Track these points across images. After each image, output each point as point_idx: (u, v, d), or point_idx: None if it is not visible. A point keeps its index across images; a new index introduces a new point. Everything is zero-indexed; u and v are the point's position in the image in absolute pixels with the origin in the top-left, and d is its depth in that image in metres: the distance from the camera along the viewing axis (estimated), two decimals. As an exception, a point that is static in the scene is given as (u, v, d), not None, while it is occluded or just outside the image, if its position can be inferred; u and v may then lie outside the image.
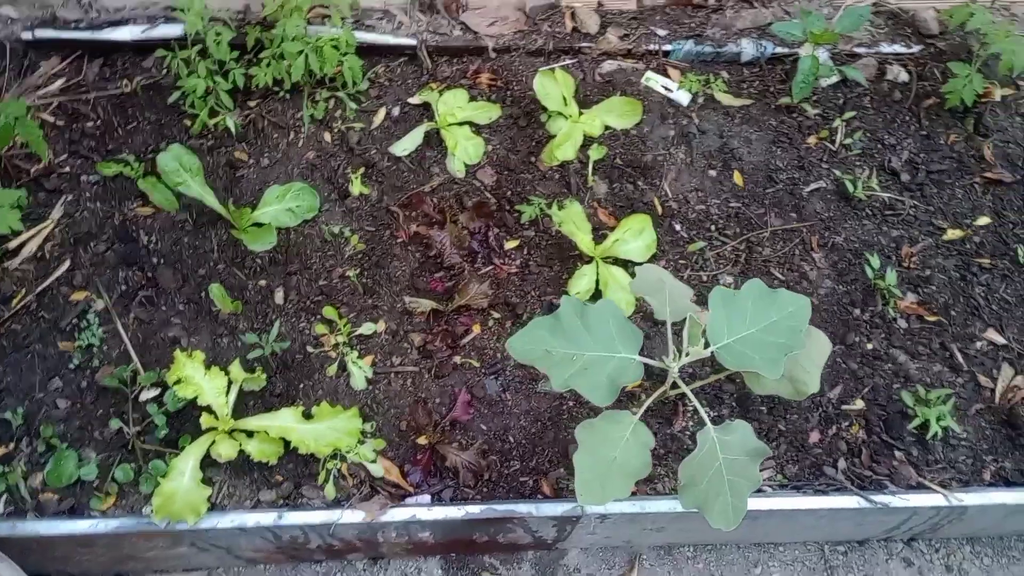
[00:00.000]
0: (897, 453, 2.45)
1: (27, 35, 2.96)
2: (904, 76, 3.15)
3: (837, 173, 2.95)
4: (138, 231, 2.69)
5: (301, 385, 2.45)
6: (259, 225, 2.66)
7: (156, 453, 2.30)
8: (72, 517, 2.18)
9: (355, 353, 2.49)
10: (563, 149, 2.84)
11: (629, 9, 3.16)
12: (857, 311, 2.70)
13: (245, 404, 2.40)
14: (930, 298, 2.74)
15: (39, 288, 2.55)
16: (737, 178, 2.91)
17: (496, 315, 2.61)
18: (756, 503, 2.27)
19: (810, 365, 1.90)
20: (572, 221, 2.70)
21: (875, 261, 2.73)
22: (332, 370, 2.48)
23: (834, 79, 3.10)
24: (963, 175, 2.99)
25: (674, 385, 1.93)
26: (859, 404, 2.53)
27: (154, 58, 3.03)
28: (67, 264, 2.60)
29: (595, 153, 2.88)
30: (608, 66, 3.07)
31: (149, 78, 3.00)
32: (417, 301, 2.58)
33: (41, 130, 2.49)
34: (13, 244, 2.62)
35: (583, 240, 2.65)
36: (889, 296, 2.70)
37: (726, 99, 3.06)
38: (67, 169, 2.81)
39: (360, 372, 2.45)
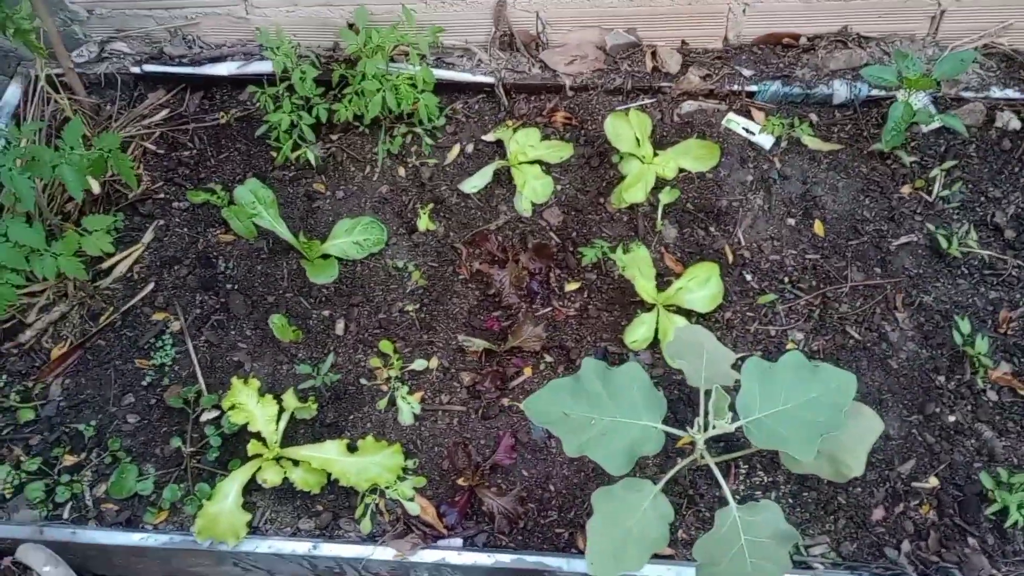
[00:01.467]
0: (970, 540, 2.24)
1: (136, 69, 3.18)
2: (1016, 123, 2.89)
3: (931, 227, 2.74)
4: (217, 257, 2.83)
5: (351, 417, 2.51)
6: (326, 257, 2.74)
7: (207, 474, 2.40)
8: (126, 529, 2.31)
9: (405, 388, 2.52)
10: (633, 191, 2.78)
11: (714, 48, 3.06)
12: (941, 379, 2.49)
13: (295, 432, 2.47)
14: (1028, 369, 2.50)
15: (125, 307, 2.72)
16: (818, 228, 2.76)
17: (549, 359, 2.58)
18: (803, 581, 2.13)
19: (855, 446, 1.77)
20: (636, 266, 2.63)
21: (966, 325, 2.51)
22: (382, 404, 2.52)
23: (935, 125, 2.90)
24: (1078, 234, 2.72)
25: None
26: (932, 482, 2.33)
27: (248, 92, 3.20)
28: (151, 286, 2.77)
29: (666, 196, 2.81)
30: (688, 107, 2.99)
31: (243, 111, 3.17)
32: (471, 340, 2.58)
33: (133, 162, 2.66)
34: (106, 264, 2.82)
35: (645, 286, 2.58)
36: (979, 364, 2.48)
37: (813, 143, 2.91)
38: (161, 195, 2.99)
39: (408, 408, 2.48)
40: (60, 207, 2.91)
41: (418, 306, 2.70)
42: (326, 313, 2.70)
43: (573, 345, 2.60)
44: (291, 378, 2.57)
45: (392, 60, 3.03)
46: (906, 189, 2.83)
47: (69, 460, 2.44)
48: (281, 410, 2.40)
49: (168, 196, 2.99)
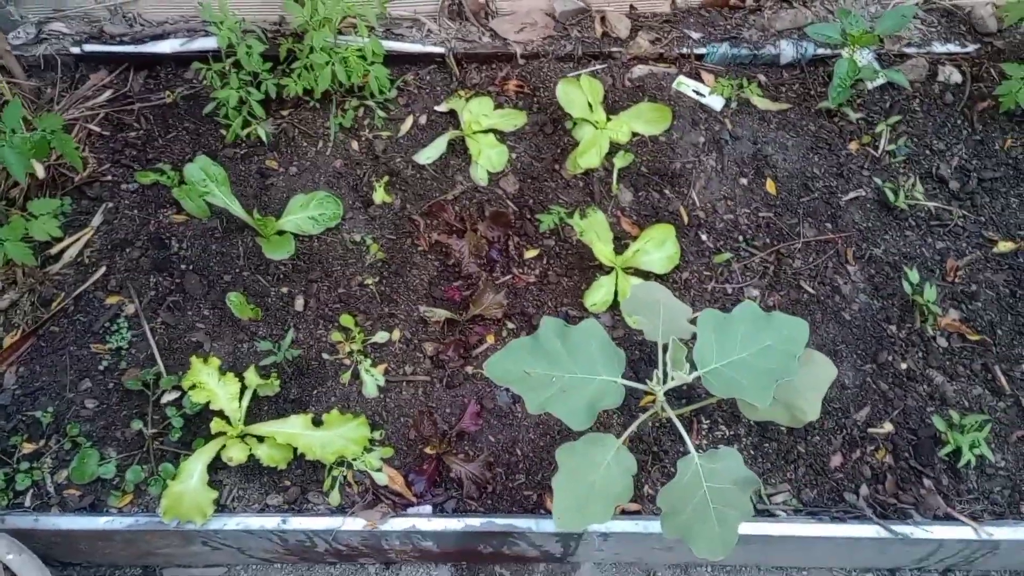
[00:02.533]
0: (926, 481, 2.32)
1: (76, 49, 3.10)
2: (957, 77, 2.97)
3: (878, 181, 2.81)
4: (170, 238, 2.78)
5: (315, 392, 2.50)
6: (282, 234, 2.72)
7: (171, 454, 2.38)
8: (90, 513, 2.28)
9: (368, 361, 2.52)
10: (587, 156, 2.79)
11: (662, 12, 3.08)
12: (892, 328, 2.56)
13: (259, 409, 2.46)
14: (975, 316, 2.58)
15: (76, 292, 2.67)
16: (770, 186, 2.81)
17: (511, 325, 2.60)
18: (766, 528, 2.19)
19: (810, 392, 1.82)
20: (594, 230, 2.66)
21: (914, 275, 2.58)
22: (346, 378, 2.51)
23: (880, 81, 2.95)
24: (1019, 183, 2.80)
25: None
26: (887, 427, 2.40)
27: (193, 69, 3.13)
28: (103, 269, 2.72)
29: (620, 160, 2.83)
30: (639, 71, 3.01)
31: (189, 88, 3.10)
32: (432, 310, 2.59)
33: (77, 144, 2.60)
34: (55, 250, 2.76)
35: (603, 250, 2.61)
36: (929, 313, 2.55)
37: (762, 103, 2.95)
38: (109, 178, 2.93)
39: (372, 380, 2.48)
40: (4, 192, 2.83)
41: (378, 279, 2.69)
42: (284, 290, 2.68)
43: (534, 311, 2.62)
44: (252, 356, 2.55)
45: (340, 33, 2.99)
46: (853, 145, 2.88)
47: (28, 448, 2.40)
48: (243, 387, 2.38)
49: (116, 178, 2.93)
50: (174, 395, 2.45)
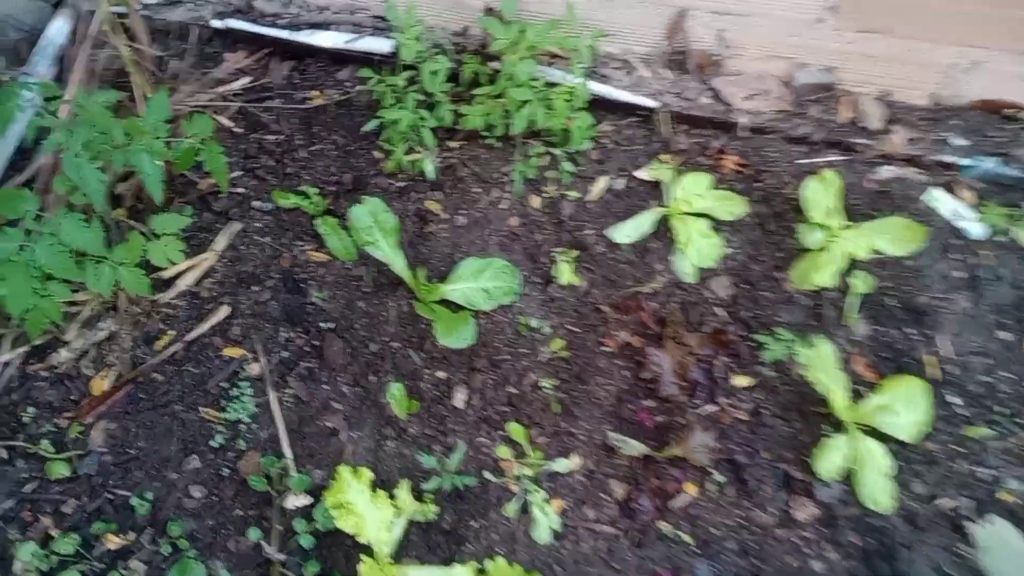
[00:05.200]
0: None
1: (217, 22, 2.57)
2: None
3: None
4: (307, 282, 2.28)
5: (473, 524, 2.01)
6: (449, 305, 2.22)
7: (296, 585, 1.90)
8: (188, 652, 1.81)
9: (542, 493, 2.04)
10: (823, 272, 2.30)
11: (920, 106, 2.57)
12: None
13: (407, 539, 1.97)
14: None
15: (191, 335, 2.17)
16: (1032, 345, 2.32)
17: (718, 477, 2.11)
18: None
19: None
20: (821, 368, 2.17)
21: None
22: (511, 510, 2.03)
23: None
24: None
25: None
26: None
27: (350, 71, 2.62)
28: (226, 310, 2.22)
29: (861, 283, 2.33)
30: (886, 172, 2.51)
31: (343, 93, 2.59)
32: (624, 440, 2.10)
33: (223, 153, 2.08)
34: (168, 273, 2.25)
35: (837, 398, 2.12)
36: None
37: (1028, 240, 2.46)
38: (240, 189, 2.42)
39: (546, 521, 2.00)
40: (109, 192, 2.32)
41: (556, 382, 2.20)
42: (441, 375, 2.19)
43: (746, 462, 2.14)
44: (398, 459, 2.06)
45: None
46: None
47: (113, 542, 1.91)
48: (397, 513, 1.89)
49: (247, 191, 2.42)
50: (303, 500, 1.97)
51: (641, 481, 2.09)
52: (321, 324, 2.22)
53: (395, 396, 2.04)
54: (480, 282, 2.25)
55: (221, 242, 2.32)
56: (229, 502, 1.98)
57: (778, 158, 2.53)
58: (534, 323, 2.27)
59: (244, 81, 2.60)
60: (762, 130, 2.55)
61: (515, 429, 2.11)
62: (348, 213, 2.20)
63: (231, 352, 2.16)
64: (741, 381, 2.24)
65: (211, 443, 2.04)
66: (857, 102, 2.54)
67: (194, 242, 2.31)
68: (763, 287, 2.36)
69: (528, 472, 2.06)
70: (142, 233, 2.11)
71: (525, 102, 2.34)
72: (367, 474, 1.89)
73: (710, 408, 2.20)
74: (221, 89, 2.58)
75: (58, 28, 2.51)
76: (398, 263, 2.20)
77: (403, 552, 1.93)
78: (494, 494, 2.05)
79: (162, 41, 2.62)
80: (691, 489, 2.09)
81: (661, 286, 2.35)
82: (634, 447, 2.09)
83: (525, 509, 2.03)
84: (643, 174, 2.51)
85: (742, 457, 2.14)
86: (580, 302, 2.32)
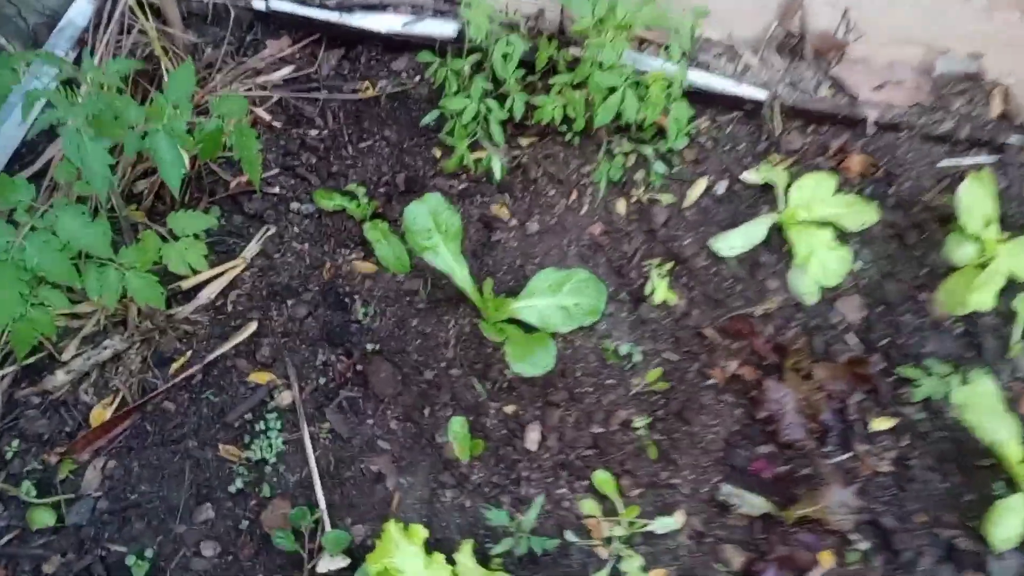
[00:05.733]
0: None
1: (260, 4, 2.26)
2: None
3: None
4: (351, 296, 1.92)
5: (551, 595, 1.60)
6: (520, 325, 1.83)
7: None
8: None
9: (638, 560, 1.61)
10: (980, 293, 1.87)
11: (1086, 98, 2.14)
12: None
13: (469, 613, 1.56)
14: None
15: (211, 356, 1.81)
16: None
17: (861, 545, 1.66)
18: None
19: None
20: (983, 409, 1.73)
21: None
22: (600, 580, 1.61)
23: None
24: None
25: None
26: None
27: (407, 60, 2.28)
28: (253, 327, 1.86)
29: (1025, 308, 1.90)
30: (1048, 176, 2.07)
31: (398, 84, 2.25)
32: (740, 495, 1.67)
33: (258, 142, 1.74)
34: (188, 284, 1.90)
35: (1009, 448, 1.68)
36: None
37: None
38: (276, 189, 2.08)
39: (645, 598, 1.57)
40: (127, 187, 2.00)
41: (650, 420, 1.78)
42: (510, 410, 1.79)
43: (895, 525, 1.69)
44: (458, 512, 1.66)
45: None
46: None
47: (104, 609, 1.53)
48: (458, 582, 1.49)
49: (286, 191, 2.08)
50: (339, 563, 1.57)
51: (764, 548, 1.65)
52: (367, 345, 1.84)
53: (456, 434, 1.64)
54: (558, 298, 1.86)
55: (252, 248, 1.98)
56: (248, 563, 1.59)
57: (914, 159, 2.12)
58: (623, 349, 1.87)
59: (286, 71, 2.28)
60: (895, 126, 2.14)
61: (602, 479, 1.69)
62: (402, 214, 1.83)
63: (258, 377, 1.79)
64: (882, 424, 1.80)
65: (229, 488, 1.66)
66: (1010, 94, 2.12)
67: (220, 248, 1.97)
68: (903, 310, 1.93)
69: (620, 532, 1.64)
70: (160, 236, 1.77)
71: (612, 89, 1.96)
72: (420, 532, 1.49)
73: (844, 457, 1.77)
74: (260, 79, 2.26)
75: (80, 9, 2.23)
76: (461, 273, 1.82)
77: (464, 633, 1.52)
78: (578, 560, 1.63)
79: (197, 26, 2.32)
80: (827, 559, 1.65)
81: (776, 307, 1.94)
82: (753, 504, 1.66)
83: (617, 580, 1.61)
84: (750, 176, 2.11)
85: (889, 520, 1.70)
86: (678, 325, 1.92)
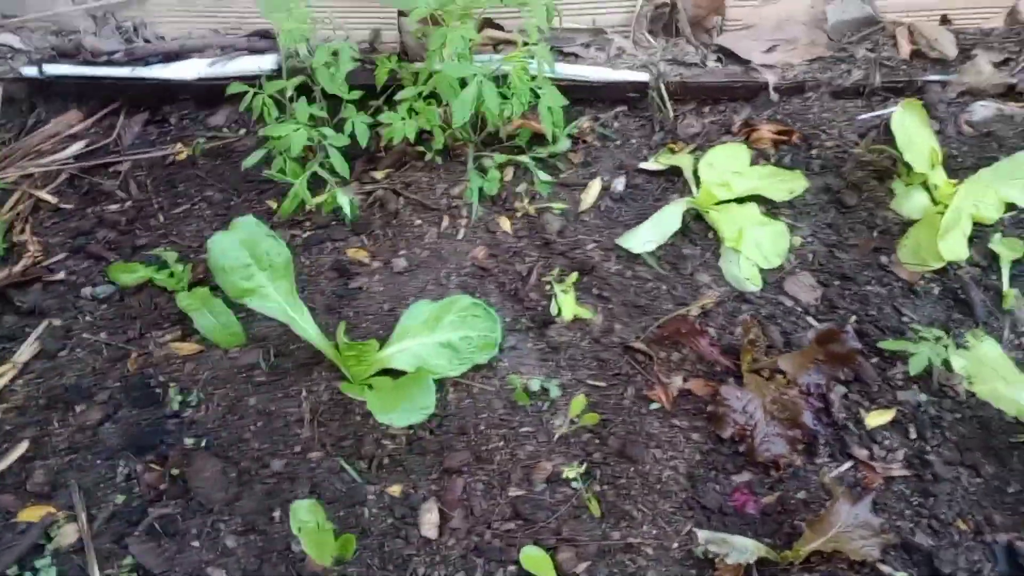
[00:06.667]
0: None
1: (30, 71, 1.86)
2: None
3: None
4: (166, 386, 1.43)
5: None
6: (393, 374, 1.37)
7: None
8: None
9: (603, 663, 1.10)
10: (949, 243, 1.52)
11: (994, 28, 1.91)
12: None
13: None
14: None
15: (-45, 497, 1.27)
16: None
17: (898, 575, 1.20)
18: None
19: None
20: (992, 377, 1.35)
21: None
22: None
23: None
24: None
25: None
26: None
27: (228, 112, 1.91)
28: (22, 448, 1.34)
29: (1006, 248, 1.56)
30: (981, 111, 1.79)
31: (216, 139, 1.86)
32: (723, 540, 1.20)
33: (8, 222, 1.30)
34: (-67, 404, 1.38)
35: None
36: None
37: None
38: (61, 275, 1.61)
39: None
40: None
41: (585, 468, 1.32)
42: (396, 491, 1.30)
43: (933, 543, 1.24)
44: (334, 649, 1.13)
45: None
46: None
47: None
48: None
49: (76, 277, 1.61)
50: None
51: (772, 608, 1.17)
52: (187, 441, 1.34)
53: (303, 525, 1.12)
54: (438, 334, 1.42)
55: (26, 351, 1.48)
56: None
57: (830, 118, 1.82)
58: (535, 384, 1.42)
59: (77, 146, 1.87)
60: (799, 87, 1.85)
61: (533, 558, 1.20)
62: (207, 249, 1.38)
63: (29, 515, 1.26)
64: (879, 418, 1.39)
65: None
66: (916, 31, 1.87)
67: (-17, 357, 1.47)
68: (864, 280, 1.57)
69: (572, 629, 1.13)
70: None
71: (466, 80, 1.61)
72: None
73: (844, 468, 1.33)
74: (44, 160, 1.83)
75: None
76: (300, 319, 1.37)
77: None
78: None
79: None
80: (857, 608, 1.17)
81: (714, 302, 1.54)
82: (745, 549, 1.19)
83: None
84: (650, 165, 1.77)
85: (923, 536, 1.25)
86: (599, 344, 1.49)
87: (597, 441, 1.37)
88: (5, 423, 1.38)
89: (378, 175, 1.80)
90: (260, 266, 1.36)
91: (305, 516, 1.10)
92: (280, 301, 1.35)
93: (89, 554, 1.21)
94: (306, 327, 1.37)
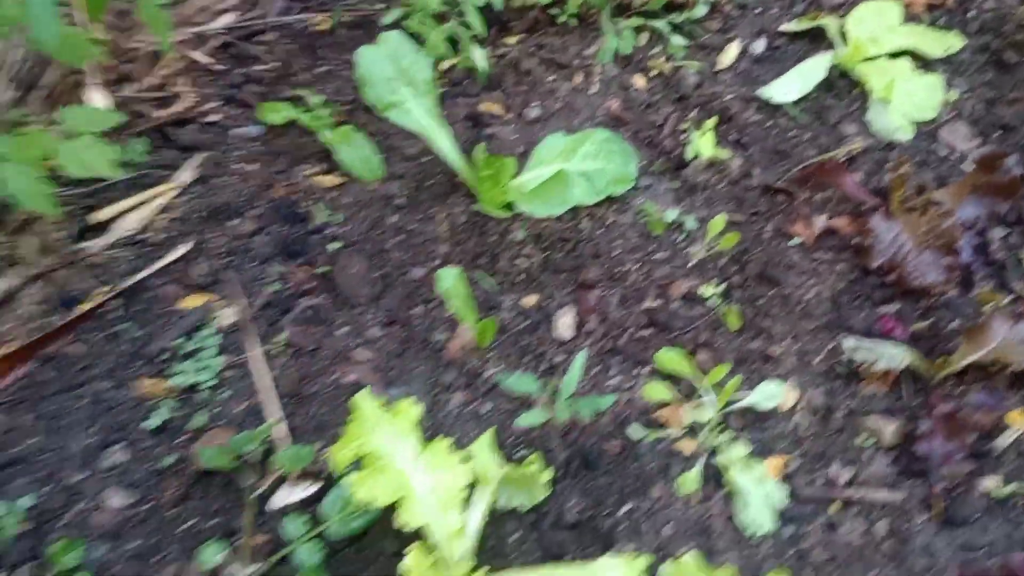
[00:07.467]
0: None
1: (193, -57, 1.97)
2: None
3: None
4: (309, 206, 1.49)
5: (619, 508, 1.06)
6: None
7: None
8: None
9: (742, 448, 1.08)
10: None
11: None
12: None
13: (498, 531, 1.03)
14: None
15: (130, 281, 1.36)
16: None
17: (1062, 390, 1.14)
18: None
19: None
20: None
21: None
22: (689, 483, 1.07)
23: None
24: None
25: None
26: None
27: (368, -15, 1.97)
28: (186, 248, 1.42)
29: None
30: None
31: (354, 10, 1.92)
32: (872, 347, 1.16)
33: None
34: (104, 214, 1.48)
35: None
36: None
37: None
38: (215, 118, 1.70)
39: (763, 497, 1.03)
40: (18, 75, 1.62)
41: (724, 288, 1.30)
42: (531, 301, 1.31)
43: (1101, 363, 1.16)
44: (471, 420, 1.16)
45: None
46: None
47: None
48: (475, 479, 0.96)
49: (226, 119, 1.70)
50: (302, 491, 1.05)
51: (918, 415, 1.12)
52: (331, 246, 1.40)
53: (449, 291, 1.15)
54: (573, 164, 1.42)
55: (185, 174, 1.57)
56: (171, 511, 1.08)
57: (988, -19, 1.73)
58: (670, 216, 1.41)
59: (228, 19, 1.96)
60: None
61: (670, 358, 1.19)
62: (354, 61, 1.43)
63: (191, 302, 1.34)
64: (1040, 254, 1.31)
65: (144, 425, 1.17)
66: None
67: (147, 181, 1.56)
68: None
69: (709, 416, 1.12)
70: (41, 128, 1.38)
71: (606, -62, 1.62)
72: (410, 409, 0.98)
73: (1005, 301, 1.26)
74: (196, 29, 1.94)
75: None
76: (440, 137, 1.40)
77: (496, 555, 0.98)
78: (652, 461, 1.11)
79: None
80: (1017, 420, 1.11)
81: (861, 149, 1.49)
82: (893, 356, 1.15)
83: (714, 478, 1.07)
84: (792, 26, 1.73)
85: (1091, 358, 1.17)
86: (737, 184, 1.47)
87: (735, 267, 1.35)
88: (168, 230, 1.47)
89: (511, 40, 1.82)
90: (404, 80, 1.40)
91: (450, 283, 1.12)
92: (422, 116, 1.39)
93: (248, 331, 1.28)
94: (444, 145, 1.40)
